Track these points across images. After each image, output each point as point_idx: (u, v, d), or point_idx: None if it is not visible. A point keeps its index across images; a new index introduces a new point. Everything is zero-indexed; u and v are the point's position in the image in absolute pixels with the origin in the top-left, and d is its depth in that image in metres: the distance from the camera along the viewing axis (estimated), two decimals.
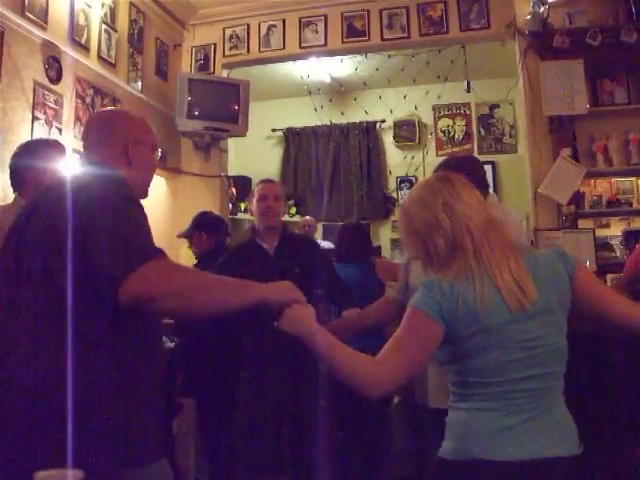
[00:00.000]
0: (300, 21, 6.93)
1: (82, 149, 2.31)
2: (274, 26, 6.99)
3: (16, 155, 3.42)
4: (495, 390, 1.90)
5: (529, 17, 6.03)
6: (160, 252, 1.90)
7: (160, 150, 2.44)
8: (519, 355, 1.90)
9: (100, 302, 1.83)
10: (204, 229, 4.94)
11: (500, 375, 1.90)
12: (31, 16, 4.81)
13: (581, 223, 6.01)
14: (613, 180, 6.46)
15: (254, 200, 4.03)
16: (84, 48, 5.52)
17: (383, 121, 9.09)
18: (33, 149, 3.39)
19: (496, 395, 1.90)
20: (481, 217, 2.02)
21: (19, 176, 3.33)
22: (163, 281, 1.82)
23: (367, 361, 1.91)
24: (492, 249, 1.97)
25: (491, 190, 3.97)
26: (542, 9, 5.96)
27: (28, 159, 3.30)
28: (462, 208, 2.03)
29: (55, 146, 3.44)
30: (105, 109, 2.65)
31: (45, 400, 1.84)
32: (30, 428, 1.83)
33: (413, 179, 8.72)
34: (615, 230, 6.61)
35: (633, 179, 6.49)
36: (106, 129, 2.29)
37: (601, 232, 6.45)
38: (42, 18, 4.95)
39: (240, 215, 8.04)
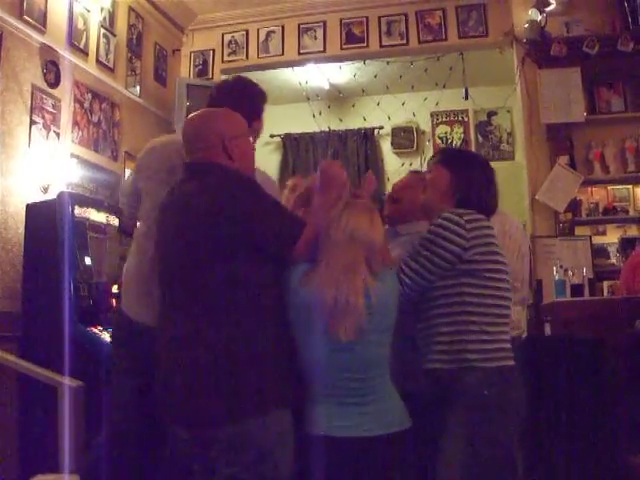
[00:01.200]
0: (299, 27, 6.95)
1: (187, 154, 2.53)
2: (273, 32, 7.01)
3: None
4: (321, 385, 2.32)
5: (527, 25, 6.05)
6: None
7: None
8: (327, 359, 2.29)
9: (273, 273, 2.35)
10: None
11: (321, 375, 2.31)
12: (30, 20, 4.82)
13: (578, 230, 6.02)
14: (610, 188, 6.47)
15: None
16: (82, 52, 5.53)
17: (381, 128, 9.09)
18: None
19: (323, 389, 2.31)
20: (345, 249, 2.31)
21: None
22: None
23: None
24: (336, 262, 2.31)
25: None
26: (540, 18, 5.99)
27: None
28: (334, 235, 2.35)
29: None
30: (194, 114, 2.70)
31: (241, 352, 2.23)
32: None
33: None
34: (612, 237, 6.62)
35: (630, 187, 6.51)
36: (202, 138, 2.50)
37: (598, 239, 6.45)
38: (41, 22, 4.95)
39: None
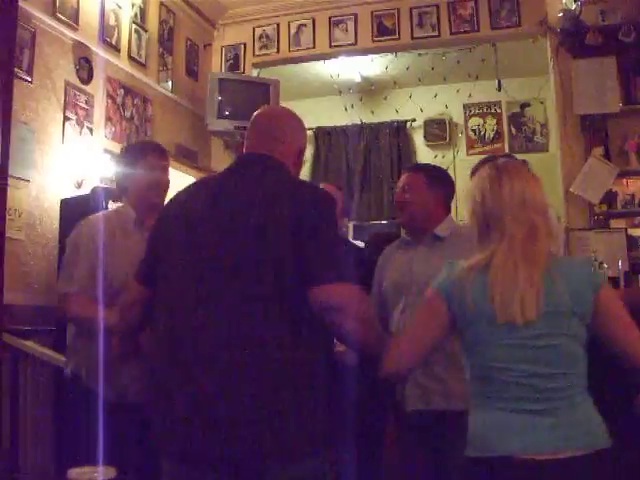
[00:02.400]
0: (330, 20, 6.93)
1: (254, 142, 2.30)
2: (304, 25, 6.99)
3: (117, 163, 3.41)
4: (498, 388, 1.92)
5: (561, 14, 5.96)
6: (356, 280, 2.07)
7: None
8: (519, 353, 1.90)
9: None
10: None
11: (499, 372, 1.91)
12: (62, 17, 4.86)
13: (613, 223, 5.94)
14: None
15: None
16: (114, 48, 5.57)
17: (413, 120, 9.04)
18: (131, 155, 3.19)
19: (500, 393, 1.92)
20: (517, 218, 1.99)
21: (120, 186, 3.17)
22: (357, 303, 2.00)
23: (387, 346, 2.06)
24: (512, 256, 1.95)
25: None
26: (574, 6, 5.89)
27: (127, 167, 3.11)
28: (496, 203, 2.02)
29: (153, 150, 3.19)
30: (281, 107, 2.65)
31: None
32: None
33: None
34: None
35: None
36: (288, 131, 2.32)
37: (633, 232, 6.36)
38: (73, 19, 5.00)
39: None
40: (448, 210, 3.11)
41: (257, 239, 1.97)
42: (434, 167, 3.31)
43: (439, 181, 3.10)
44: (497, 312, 1.90)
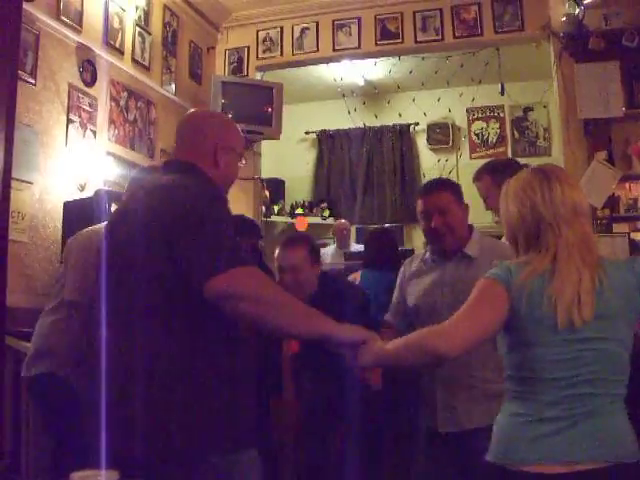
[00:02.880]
0: (333, 24, 6.93)
1: (175, 149, 2.36)
2: (307, 29, 7.00)
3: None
4: (535, 390, 1.89)
5: (564, 19, 5.96)
6: (253, 263, 2.04)
7: (244, 161, 2.46)
8: (567, 355, 1.87)
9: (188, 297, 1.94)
10: (237, 232, 4.94)
11: (540, 373, 1.89)
12: (66, 20, 4.87)
13: (616, 227, 5.93)
14: None
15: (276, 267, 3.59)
16: (118, 51, 5.57)
17: (417, 124, 9.06)
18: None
19: (536, 396, 1.89)
20: (572, 225, 1.98)
21: None
22: (251, 284, 1.93)
23: (433, 328, 1.97)
24: (574, 262, 1.94)
25: None
26: (577, 11, 5.89)
27: None
28: (549, 208, 2.00)
29: None
30: (197, 110, 2.68)
31: (153, 386, 1.94)
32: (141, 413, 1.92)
33: None
34: None
35: None
36: (198, 130, 2.33)
37: (636, 236, 6.35)
38: (77, 22, 5.01)
39: (273, 217, 8.06)
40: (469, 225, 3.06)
41: (139, 247, 2.00)
42: (450, 181, 3.20)
43: (461, 195, 2.98)
44: (558, 315, 1.87)
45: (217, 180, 2.25)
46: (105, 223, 2.64)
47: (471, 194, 3.30)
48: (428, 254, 3.00)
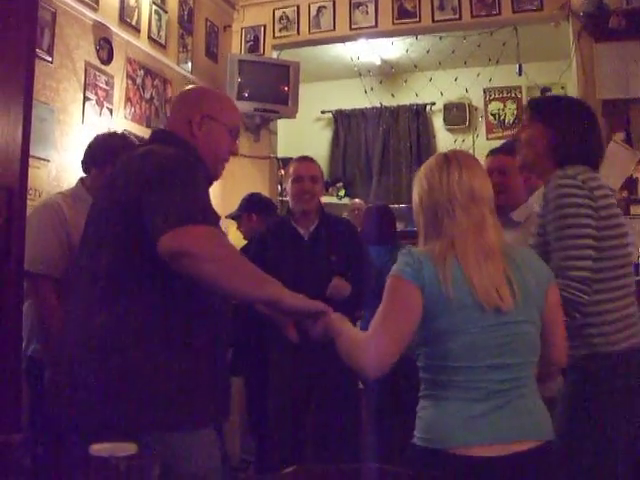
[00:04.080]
0: (350, 2, 6.88)
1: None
2: (324, 7, 6.96)
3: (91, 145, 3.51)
4: (463, 378, 1.89)
5: None
6: (214, 224, 2.06)
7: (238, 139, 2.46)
8: (489, 342, 1.89)
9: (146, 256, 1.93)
10: (253, 210, 4.96)
11: (468, 361, 1.89)
12: None
13: (634, 209, 5.89)
14: None
15: (289, 180, 3.82)
16: (134, 29, 5.56)
17: (433, 104, 9.01)
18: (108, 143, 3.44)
19: (464, 383, 1.89)
20: (468, 211, 1.99)
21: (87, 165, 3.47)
22: (205, 243, 1.87)
23: (362, 345, 1.93)
24: (469, 247, 1.94)
25: None
26: None
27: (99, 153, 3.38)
28: (445, 192, 2.00)
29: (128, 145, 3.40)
30: (187, 88, 2.72)
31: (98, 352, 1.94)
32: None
33: None
34: None
35: None
36: (181, 101, 2.37)
37: None
38: (93, 0, 5.00)
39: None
40: (528, 195, 3.08)
41: (103, 212, 2.08)
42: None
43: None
44: (481, 300, 1.87)
45: (200, 151, 2.22)
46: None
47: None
48: None
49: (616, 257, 2.32)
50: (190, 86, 2.79)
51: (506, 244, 2.03)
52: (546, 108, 2.57)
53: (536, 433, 1.90)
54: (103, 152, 3.35)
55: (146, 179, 1.97)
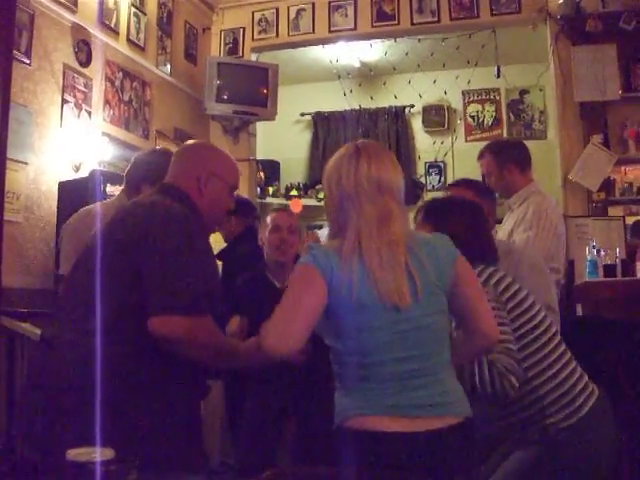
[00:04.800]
0: (329, 5, 6.90)
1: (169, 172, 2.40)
2: (303, 10, 6.96)
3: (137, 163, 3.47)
4: (370, 371, 1.91)
5: (561, 1, 5.96)
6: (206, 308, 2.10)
7: (235, 192, 2.51)
8: (394, 337, 1.90)
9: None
10: (233, 212, 4.93)
11: (375, 356, 1.90)
12: (61, 0, 4.84)
13: (611, 211, 5.95)
14: None
15: (266, 231, 3.76)
16: (113, 31, 5.54)
17: (412, 106, 9.02)
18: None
19: (372, 375, 1.90)
20: (374, 201, 1.98)
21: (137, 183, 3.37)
22: (190, 335, 2.02)
23: (263, 328, 1.93)
24: (373, 240, 1.93)
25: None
26: None
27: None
28: (352, 182, 2.00)
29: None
30: (190, 142, 2.74)
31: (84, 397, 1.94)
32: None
33: (442, 164, 8.66)
34: None
35: None
36: (188, 156, 2.39)
37: (631, 220, 6.37)
38: (72, 1, 4.98)
39: (268, 199, 8.04)
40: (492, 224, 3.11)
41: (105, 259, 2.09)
42: (477, 182, 3.33)
43: (486, 193, 3.14)
44: (380, 296, 1.88)
45: (202, 209, 2.27)
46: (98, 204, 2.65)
47: (467, 175, 3.33)
48: None
49: (537, 338, 2.33)
50: (192, 141, 2.75)
51: (411, 235, 2.03)
52: (436, 211, 2.60)
53: (448, 410, 1.91)
54: (156, 169, 3.33)
55: (150, 247, 2.05)
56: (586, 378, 2.37)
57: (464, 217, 2.52)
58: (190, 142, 2.67)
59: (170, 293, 2.00)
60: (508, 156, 3.79)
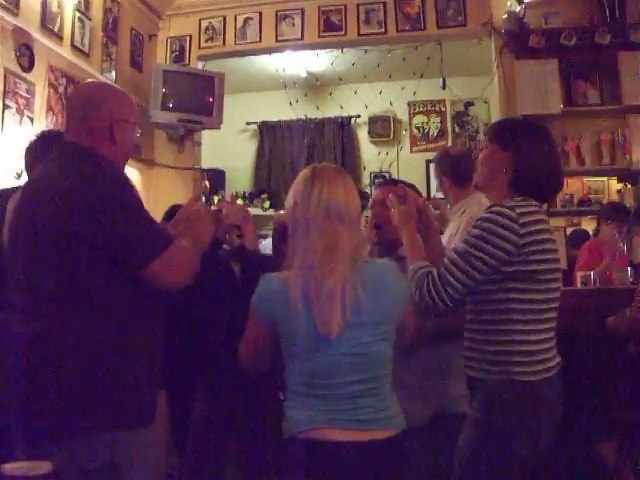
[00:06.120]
0: (277, 14, 6.90)
1: (66, 123, 2.36)
2: (250, 19, 6.95)
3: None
4: (316, 392, 2.00)
5: (505, 16, 6.05)
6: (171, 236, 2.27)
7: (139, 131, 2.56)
8: (334, 364, 1.98)
9: (119, 278, 2.11)
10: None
11: (320, 379, 1.99)
12: (2, 2, 4.71)
13: (553, 221, 5.98)
14: (585, 180, 6.53)
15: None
16: (57, 36, 5.44)
17: (358, 116, 9.08)
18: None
19: (316, 395, 2.00)
20: (322, 230, 2.01)
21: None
22: (182, 268, 2.21)
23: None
24: (316, 271, 1.98)
25: None
26: (519, 9, 5.99)
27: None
28: (304, 208, 2.05)
29: None
30: (87, 82, 2.68)
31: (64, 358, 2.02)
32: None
33: (387, 175, 8.72)
34: (586, 229, 6.65)
35: (604, 179, 6.59)
36: (91, 107, 2.29)
37: (577, 228, 6.52)
38: (13, 4, 4.85)
39: (213, 208, 7.99)
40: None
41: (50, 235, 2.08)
42: (405, 182, 3.30)
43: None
44: (318, 325, 1.94)
45: (114, 157, 2.27)
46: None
47: None
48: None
49: (546, 291, 2.33)
50: (86, 83, 2.70)
51: (363, 263, 2.07)
52: (507, 131, 2.54)
53: (385, 425, 2.01)
54: None
55: (102, 214, 2.06)
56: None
57: (540, 144, 2.47)
58: (85, 85, 2.63)
59: (149, 241, 2.15)
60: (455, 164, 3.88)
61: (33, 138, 3.49)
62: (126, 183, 2.21)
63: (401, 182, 3.15)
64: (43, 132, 3.60)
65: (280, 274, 2.05)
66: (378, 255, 2.94)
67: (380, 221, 2.90)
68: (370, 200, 3.08)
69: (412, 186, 3.09)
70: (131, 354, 2.11)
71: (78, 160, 2.17)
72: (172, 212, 4.90)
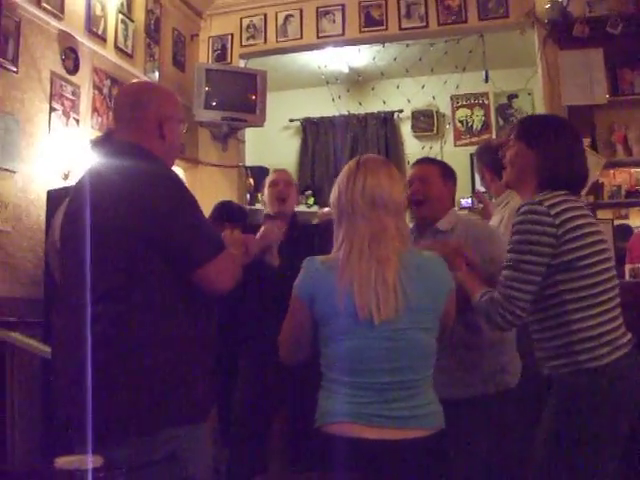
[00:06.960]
0: (317, 10, 6.90)
1: (114, 123, 2.40)
2: (291, 16, 6.97)
3: None
4: (349, 379, 2.00)
5: (548, 6, 5.97)
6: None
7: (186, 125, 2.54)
8: (372, 348, 1.98)
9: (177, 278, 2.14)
10: (225, 219, 4.91)
11: (352, 364, 1.99)
12: (47, 7, 4.82)
13: (600, 214, 5.95)
14: (632, 170, 6.38)
15: (265, 189, 3.97)
16: (101, 39, 5.52)
17: (401, 111, 9.03)
18: None
19: (349, 382, 2.00)
20: (369, 218, 2.04)
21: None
22: (232, 274, 2.24)
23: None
24: (364, 258, 2.01)
25: None
26: None
27: None
28: (349, 199, 2.07)
29: None
30: (133, 82, 2.73)
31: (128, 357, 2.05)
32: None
33: None
34: (634, 221, 6.55)
35: None
36: (138, 107, 2.32)
37: (620, 223, 6.39)
38: (58, 9, 4.95)
39: (258, 206, 8.01)
40: (453, 204, 3.11)
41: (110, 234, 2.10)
42: (442, 161, 3.30)
43: (451, 174, 3.10)
44: (358, 309, 1.96)
45: (164, 154, 2.30)
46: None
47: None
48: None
49: (594, 274, 2.30)
50: (133, 83, 2.76)
51: (409, 252, 2.08)
52: (532, 128, 2.54)
53: (419, 423, 1.99)
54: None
55: (166, 213, 2.12)
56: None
57: (566, 140, 2.48)
58: (132, 86, 2.65)
59: (207, 242, 2.19)
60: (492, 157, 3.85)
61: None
62: (182, 182, 2.25)
63: (438, 161, 3.19)
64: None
65: (325, 257, 2.10)
66: (416, 231, 3.00)
67: (420, 197, 2.95)
68: (407, 176, 3.09)
69: (447, 166, 3.12)
70: (192, 353, 2.15)
71: (133, 158, 2.20)
72: (222, 208, 4.95)
